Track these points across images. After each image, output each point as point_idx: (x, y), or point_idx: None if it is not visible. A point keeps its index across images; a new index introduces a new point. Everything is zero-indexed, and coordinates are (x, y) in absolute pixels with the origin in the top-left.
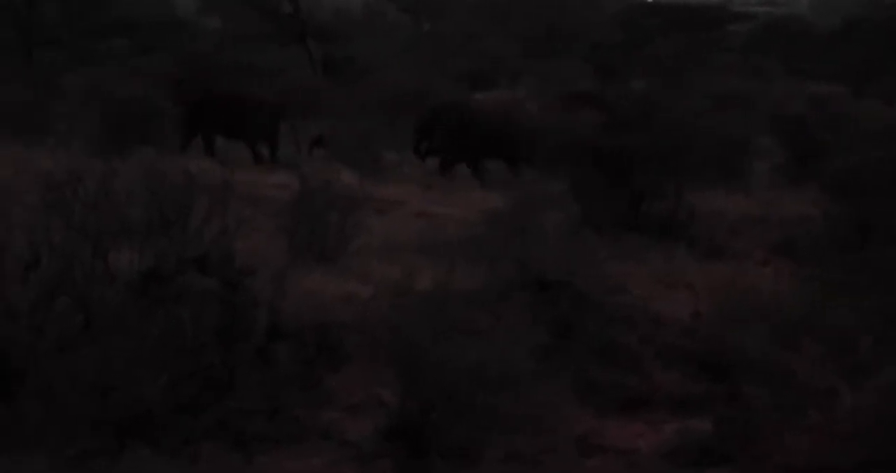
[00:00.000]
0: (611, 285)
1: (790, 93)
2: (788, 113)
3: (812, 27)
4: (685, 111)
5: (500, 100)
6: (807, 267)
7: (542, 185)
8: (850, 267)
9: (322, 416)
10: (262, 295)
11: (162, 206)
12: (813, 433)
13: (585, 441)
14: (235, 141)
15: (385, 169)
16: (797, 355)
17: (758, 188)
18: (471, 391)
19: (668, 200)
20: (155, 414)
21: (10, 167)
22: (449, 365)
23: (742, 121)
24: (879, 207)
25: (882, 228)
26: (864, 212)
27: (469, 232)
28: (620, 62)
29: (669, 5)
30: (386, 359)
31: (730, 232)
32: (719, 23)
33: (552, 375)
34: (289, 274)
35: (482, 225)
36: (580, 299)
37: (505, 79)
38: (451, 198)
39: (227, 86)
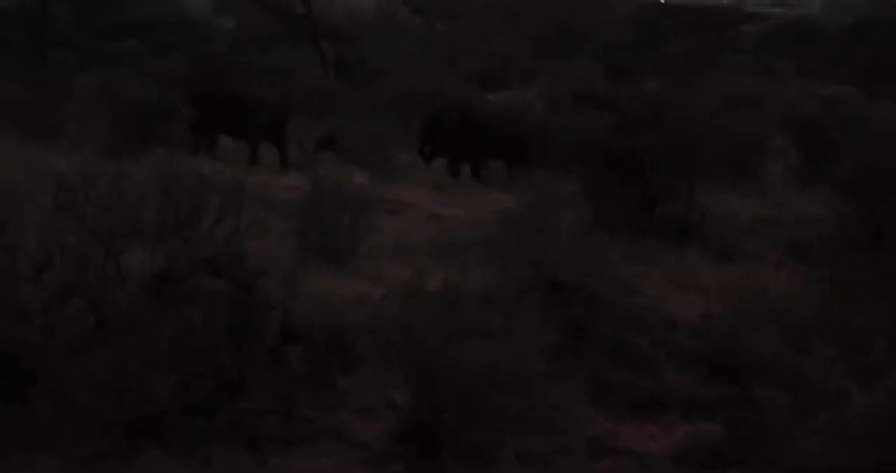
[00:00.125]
0: (623, 286)
1: (803, 93)
2: (801, 113)
3: (824, 28)
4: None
5: (504, 101)
6: (819, 268)
7: (555, 186)
8: (862, 268)
9: (334, 417)
10: (274, 297)
11: (174, 208)
12: (825, 434)
13: (597, 442)
14: (238, 141)
15: (397, 170)
16: (809, 357)
17: (771, 189)
18: (483, 392)
19: (681, 201)
20: (167, 415)
21: (23, 168)
22: (461, 367)
23: (754, 121)
24: (892, 208)
25: (894, 229)
26: (876, 212)
27: (481, 233)
28: (632, 62)
29: (682, 5)
30: (398, 361)
31: (742, 233)
32: (732, 23)
33: (564, 376)
34: (300, 276)
35: (494, 226)
36: (593, 300)
37: (517, 80)
38: (463, 200)
39: (229, 86)
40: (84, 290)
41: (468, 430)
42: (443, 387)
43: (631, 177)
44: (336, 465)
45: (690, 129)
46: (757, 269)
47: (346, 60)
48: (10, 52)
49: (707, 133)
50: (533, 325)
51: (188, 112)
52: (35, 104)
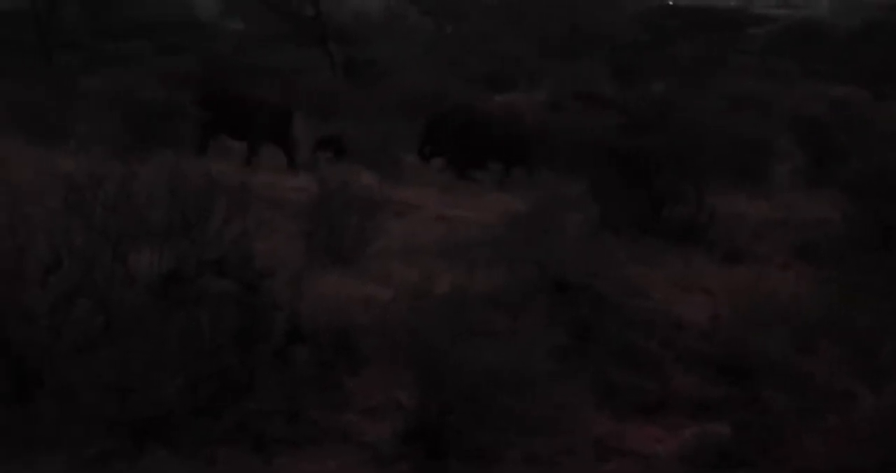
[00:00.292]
0: (630, 288)
1: (809, 95)
2: (807, 115)
3: (831, 29)
4: (704, 112)
5: (504, 102)
6: (826, 269)
7: (562, 188)
8: (869, 269)
9: (340, 418)
10: (281, 298)
11: (182, 209)
12: (832, 436)
13: (603, 444)
14: (241, 141)
15: (404, 171)
16: (816, 358)
17: (777, 191)
18: (489, 393)
19: (687, 203)
20: (173, 416)
21: (31, 169)
22: (467, 368)
23: (761, 123)
24: None
25: None
26: (884, 214)
27: (488, 234)
28: (639, 63)
29: (689, 7)
30: (405, 362)
31: (749, 235)
32: (739, 25)
33: (570, 377)
34: (307, 277)
35: (501, 227)
36: (599, 301)
37: (524, 81)
38: (470, 201)
39: (231, 87)
40: (91, 291)
41: (474, 431)
42: (449, 388)
43: (637, 179)
44: (342, 466)
45: (697, 131)
46: (764, 271)
47: (354, 62)
48: (18, 53)
49: (714, 134)
50: (539, 326)
51: (195, 112)
52: (43, 105)
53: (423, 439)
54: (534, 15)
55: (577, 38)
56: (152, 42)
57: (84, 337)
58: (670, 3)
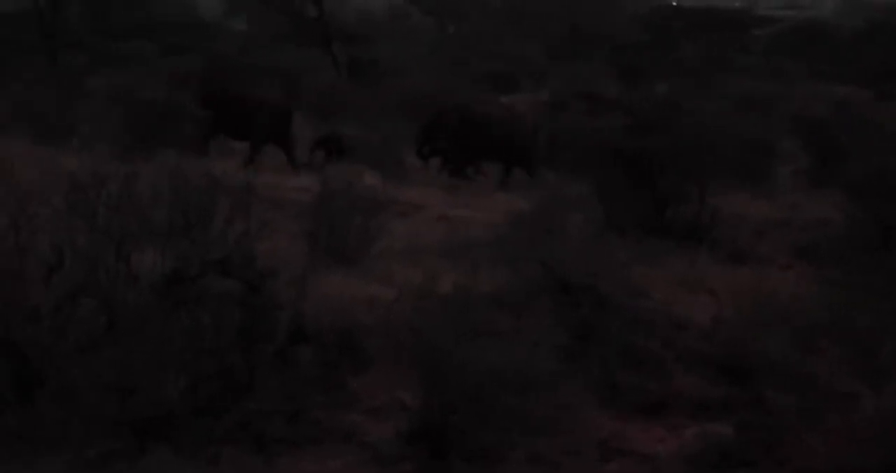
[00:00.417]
0: (633, 288)
1: (813, 96)
2: (811, 116)
3: (835, 30)
4: (707, 113)
5: (503, 103)
6: (829, 270)
7: (565, 188)
8: (872, 270)
9: (343, 419)
10: (284, 298)
11: (185, 209)
12: (834, 436)
13: (606, 444)
14: (241, 142)
15: (407, 171)
16: (818, 359)
17: (781, 191)
18: (493, 393)
19: (691, 203)
20: (175, 416)
21: (35, 169)
22: (471, 368)
23: (764, 124)
24: None
25: None
26: (885, 214)
27: (492, 234)
28: (643, 64)
29: (693, 8)
30: (408, 362)
31: (752, 235)
32: (743, 26)
33: (573, 377)
34: (310, 277)
35: (505, 227)
36: (602, 302)
37: (528, 82)
38: (473, 201)
39: (231, 87)
40: (94, 291)
41: (477, 431)
42: (453, 388)
43: (641, 179)
44: (344, 466)
45: (701, 131)
46: (767, 271)
47: (357, 62)
48: (22, 53)
49: (717, 135)
50: (543, 326)
51: (196, 112)
52: (47, 105)
53: (427, 439)
54: (537, 15)
55: (581, 38)
56: (156, 42)
57: (87, 337)
58: (674, 3)
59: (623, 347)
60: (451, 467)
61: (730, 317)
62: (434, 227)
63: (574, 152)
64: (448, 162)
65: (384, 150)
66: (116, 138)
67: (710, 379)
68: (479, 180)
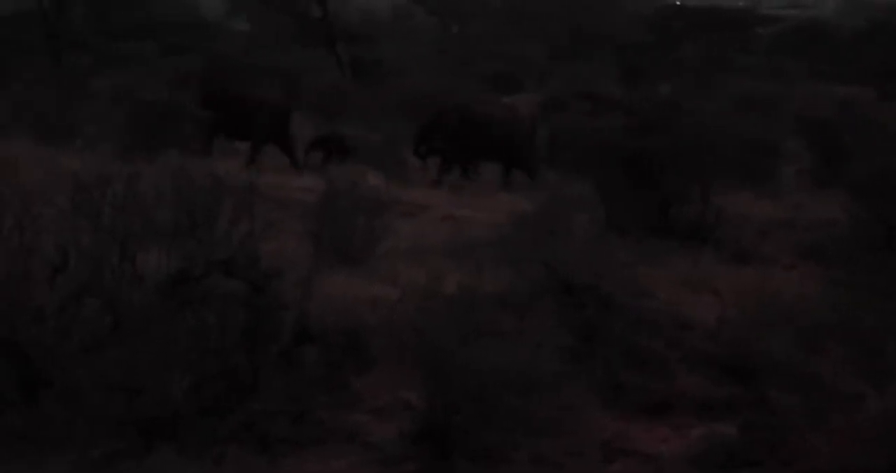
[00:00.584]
0: (637, 288)
1: (816, 95)
2: (814, 115)
3: (837, 30)
4: (710, 113)
5: (502, 103)
6: (833, 270)
7: (569, 188)
8: (876, 270)
9: (347, 419)
10: (289, 298)
11: (189, 209)
12: (838, 437)
13: (610, 445)
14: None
15: (411, 172)
16: (823, 359)
17: (784, 191)
18: (497, 394)
19: (694, 204)
20: (180, 416)
21: (39, 169)
22: (475, 368)
23: (767, 123)
24: None
25: None
26: (888, 214)
27: (496, 234)
28: (646, 64)
29: (695, 8)
30: (412, 362)
31: (756, 235)
32: (745, 25)
33: (577, 378)
34: (315, 277)
35: (509, 227)
36: (606, 302)
37: (531, 82)
38: (477, 202)
39: (231, 87)
40: (99, 291)
41: (481, 431)
42: (457, 389)
43: (644, 179)
44: (348, 466)
45: (703, 131)
46: (771, 272)
47: (361, 62)
48: (25, 53)
49: (719, 135)
50: (546, 327)
51: (197, 112)
52: (50, 105)
53: (430, 439)
54: (539, 16)
55: (583, 38)
56: (158, 43)
57: (91, 337)
58: (677, 3)
59: (627, 347)
60: (455, 467)
61: (734, 317)
62: (438, 228)
63: (576, 152)
64: (446, 161)
65: (388, 151)
66: (119, 138)
67: (715, 380)
68: (476, 179)
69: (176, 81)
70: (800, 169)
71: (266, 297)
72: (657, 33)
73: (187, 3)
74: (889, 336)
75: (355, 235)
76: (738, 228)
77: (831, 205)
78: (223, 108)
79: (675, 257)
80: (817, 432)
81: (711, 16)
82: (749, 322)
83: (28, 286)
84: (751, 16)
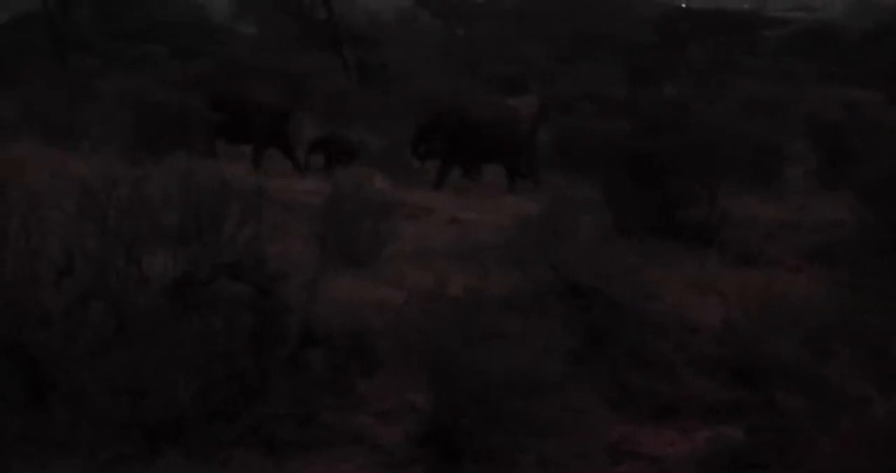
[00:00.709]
0: (643, 291)
1: (823, 98)
2: (821, 118)
3: (845, 32)
4: (717, 115)
5: (501, 105)
6: (840, 272)
7: (575, 191)
8: (883, 272)
9: (354, 422)
10: (295, 301)
11: (195, 212)
12: (845, 440)
13: (617, 447)
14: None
15: (417, 174)
16: (830, 362)
17: (791, 193)
18: (503, 396)
19: (701, 206)
20: (186, 419)
21: (45, 172)
22: (480, 371)
23: (774, 126)
24: None
25: None
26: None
27: (501, 237)
28: (653, 66)
29: (702, 10)
30: (417, 365)
31: (762, 237)
32: (752, 27)
33: (583, 381)
34: (321, 280)
35: (515, 230)
36: (612, 305)
37: (537, 84)
38: (483, 204)
39: (231, 89)
40: (105, 294)
41: (487, 434)
42: (463, 391)
43: (650, 181)
44: (355, 469)
45: (710, 133)
46: (777, 274)
47: (366, 64)
48: (32, 55)
49: (727, 137)
50: (552, 330)
51: (206, 115)
52: (57, 107)
53: (436, 442)
54: (545, 18)
55: (589, 40)
56: (165, 45)
57: (97, 341)
58: (683, 5)
59: (633, 350)
60: (461, 469)
61: (739, 320)
62: (444, 230)
63: (582, 154)
64: (445, 163)
65: (393, 153)
66: (126, 140)
67: (721, 382)
68: (479, 181)
69: (183, 84)
70: (806, 171)
71: (272, 300)
72: (663, 35)
73: (194, 6)
74: (895, 338)
75: (361, 238)
76: (744, 230)
77: (838, 208)
78: (226, 111)
79: (681, 259)
80: (824, 435)
81: (717, 18)
82: (755, 324)
83: (34, 289)
84: (757, 18)
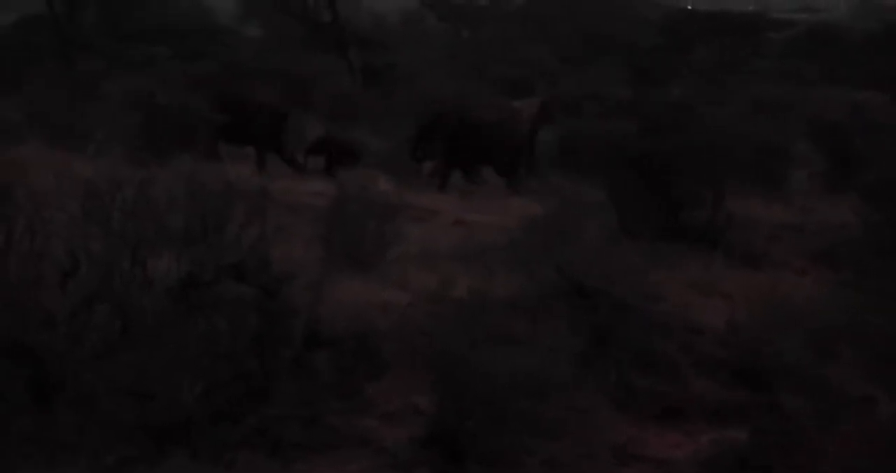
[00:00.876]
0: (648, 292)
1: (828, 99)
2: (826, 119)
3: (850, 33)
4: (722, 117)
5: (502, 106)
6: (844, 274)
7: (580, 192)
8: (888, 274)
9: (359, 424)
10: (300, 303)
11: (200, 213)
12: (850, 441)
13: (622, 449)
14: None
15: (422, 176)
16: (834, 363)
17: (796, 195)
18: (508, 398)
19: (706, 207)
20: (192, 421)
21: (50, 174)
22: (486, 373)
23: (780, 127)
24: None
25: None
26: None
27: (506, 239)
28: (658, 68)
29: (707, 12)
30: (423, 367)
31: (767, 239)
32: (757, 29)
33: (589, 382)
34: (326, 282)
35: (520, 232)
36: (617, 306)
37: (542, 86)
38: (488, 206)
39: (233, 91)
40: (110, 296)
41: (493, 436)
42: (468, 393)
43: (655, 183)
44: (360, 471)
45: (714, 135)
46: (782, 275)
47: (372, 67)
48: (37, 57)
49: (731, 139)
50: (558, 331)
51: (213, 117)
52: (62, 109)
53: (442, 444)
54: (550, 20)
55: (594, 42)
56: (170, 47)
57: (103, 343)
58: (688, 7)
59: (639, 352)
60: (466, 471)
61: (744, 321)
62: (449, 232)
63: (588, 155)
64: (444, 164)
65: (398, 155)
66: (131, 142)
67: (726, 384)
68: (481, 183)
69: (188, 86)
70: (811, 173)
71: (277, 302)
72: (668, 37)
73: (200, 8)
74: None
75: (366, 240)
76: (748, 232)
77: (843, 210)
78: (226, 112)
79: (686, 260)
80: (828, 436)
81: (722, 20)
82: (759, 326)
83: (39, 291)
84: (762, 20)
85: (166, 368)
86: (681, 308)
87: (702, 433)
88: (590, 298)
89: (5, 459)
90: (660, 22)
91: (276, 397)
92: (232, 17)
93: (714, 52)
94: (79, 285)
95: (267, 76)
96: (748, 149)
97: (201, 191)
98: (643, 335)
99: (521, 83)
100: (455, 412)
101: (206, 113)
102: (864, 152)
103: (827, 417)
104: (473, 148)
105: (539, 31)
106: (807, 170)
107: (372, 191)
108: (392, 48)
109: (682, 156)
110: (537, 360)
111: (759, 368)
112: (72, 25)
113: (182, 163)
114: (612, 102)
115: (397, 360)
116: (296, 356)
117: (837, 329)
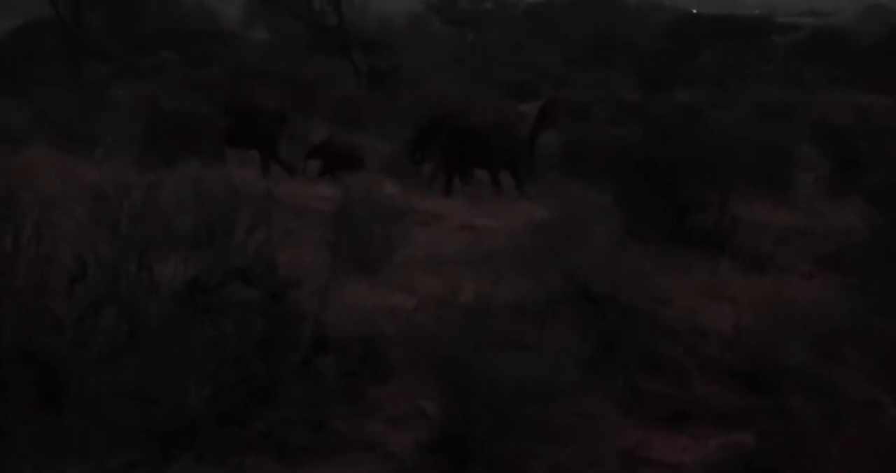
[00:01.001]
0: (655, 297)
1: (834, 103)
2: (832, 123)
3: (855, 37)
4: (728, 121)
5: (502, 110)
6: (850, 278)
7: (586, 196)
8: (893, 277)
9: (365, 428)
10: (306, 307)
11: (207, 218)
12: (856, 445)
13: (630, 454)
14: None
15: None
16: (840, 367)
17: (801, 199)
18: (515, 403)
19: (712, 211)
20: (198, 425)
21: (57, 179)
22: (492, 377)
23: (785, 131)
24: None
25: None
26: None
27: (513, 243)
28: (664, 72)
29: (713, 16)
30: (429, 371)
31: (773, 243)
32: (763, 33)
33: (596, 387)
34: (332, 286)
35: (526, 236)
36: (624, 311)
37: (548, 89)
38: (495, 210)
39: (235, 95)
40: (117, 300)
41: (499, 441)
42: (474, 398)
43: (661, 187)
44: None
45: (721, 139)
46: (788, 279)
47: (377, 70)
48: (45, 62)
49: (737, 142)
50: (564, 336)
51: (219, 121)
52: (70, 114)
53: (448, 448)
54: (556, 24)
55: (601, 46)
56: (177, 52)
57: (109, 347)
58: (694, 11)
59: (646, 356)
60: None
61: (750, 325)
62: (455, 236)
63: (594, 160)
64: (442, 168)
65: (403, 159)
66: (138, 147)
67: (732, 388)
68: (471, 185)
69: (193, 90)
70: (817, 176)
71: (283, 306)
72: (674, 41)
73: (206, 13)
74: None
75: (372, 244)
76: (754, 236)
77: (848, 213)
78: (232, 116)
79: (692, 265)
80: (833, 440)
81: (728, 24)
82: (765, 329)
83: (46, 295)
84: (767, 24)
85: (172, 372)
86: (687, 312)
87: (708, 436)
88: (597, 303)
89: (12, 462)
90: (665, 26)
91: (282, 401)
92: (238, 21)
93: (719, 56)
94: (86, 289)
95: (272, 79)
96: (753, 152)
97: (208, 195)
98: (650, 339)
99: (526, 87)
100: (462, 416)
101: (210, 116)
102: (868, 155)
103: (832, 420)
104: (470, 151)
105: (544, 35)
106: (812, 173)
107: (378, 195)
108: (397, 51)
109: (687, 160)
110: (544, 365)
111: (765, 372)
112: (78, 29)
113: (189, 167)
114: (617, 106)
115: (404, 365)
116: (302, 360)
117: (843, 332)
